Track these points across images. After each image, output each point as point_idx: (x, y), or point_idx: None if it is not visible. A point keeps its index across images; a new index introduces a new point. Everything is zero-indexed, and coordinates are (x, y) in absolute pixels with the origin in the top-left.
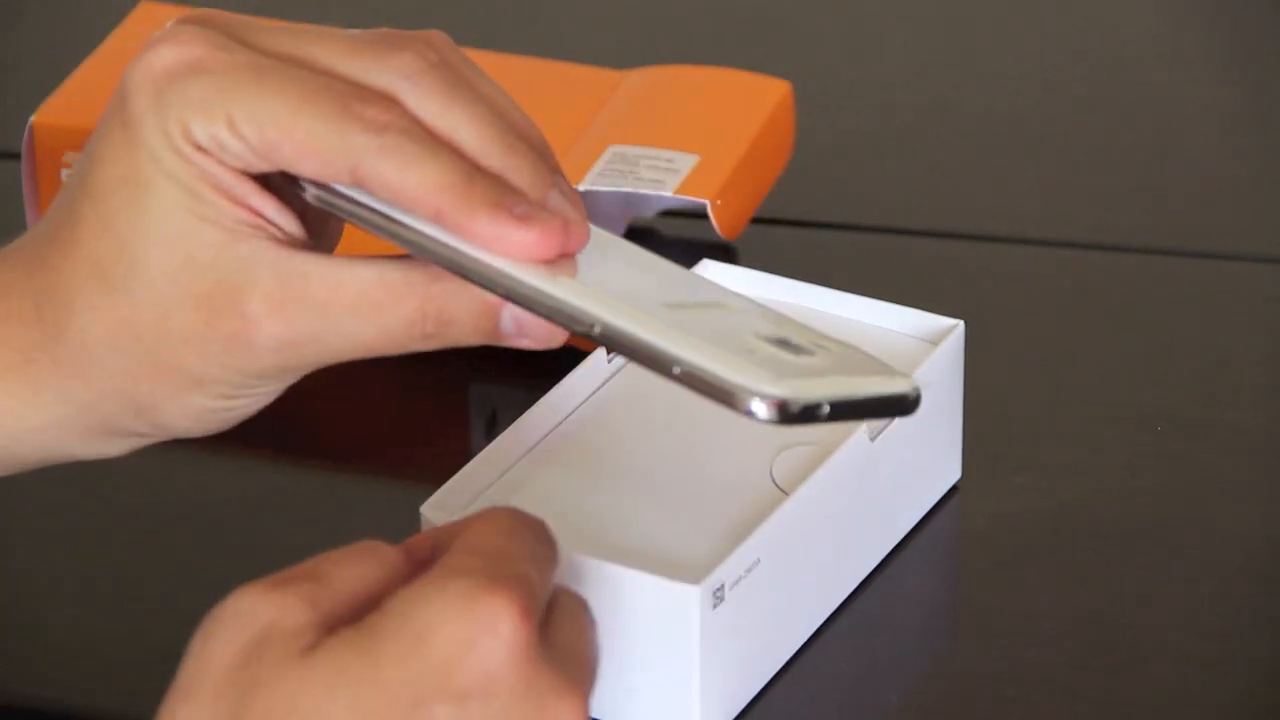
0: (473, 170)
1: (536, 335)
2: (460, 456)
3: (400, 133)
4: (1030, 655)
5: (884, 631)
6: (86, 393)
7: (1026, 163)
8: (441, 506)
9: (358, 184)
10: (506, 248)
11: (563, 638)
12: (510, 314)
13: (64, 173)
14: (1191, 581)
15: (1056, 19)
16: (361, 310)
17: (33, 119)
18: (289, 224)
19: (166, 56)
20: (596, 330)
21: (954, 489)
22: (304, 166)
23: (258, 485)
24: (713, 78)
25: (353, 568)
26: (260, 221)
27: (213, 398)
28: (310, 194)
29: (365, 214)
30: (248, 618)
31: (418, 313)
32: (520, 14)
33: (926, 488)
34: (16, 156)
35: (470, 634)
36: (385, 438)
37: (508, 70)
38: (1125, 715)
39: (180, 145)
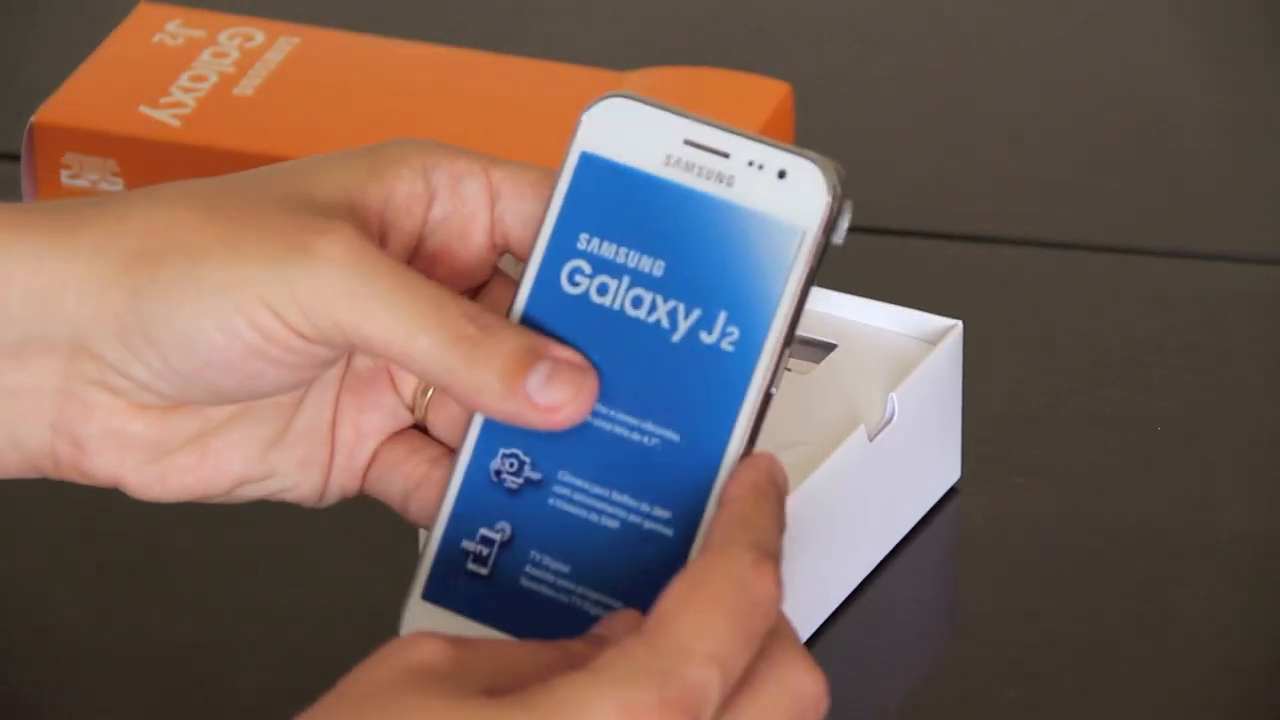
0: None
1: (556, 396)
2: None
3: None
4: (1030, 655)
5: (884, 631)
6: (100, 229)
7: (1026, 163)
8: None
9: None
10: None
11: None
12: (551, 364)
13: (64, 173)
14: (1191, 581)
15: (1056, 19)
16: (427, 281)
17: (33, 119)
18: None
19: None
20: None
21: (953, 489)
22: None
23: None
24: (712, 78)
25: (518, 649)
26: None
27: (230, 308)
28: None
29: None
30: (401, 650)
31: (474, 310)
32: (520, 14)
33: (926, 488)
34: (16, 157)
35: None
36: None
37: (508, 70)
38: (1125, 715)
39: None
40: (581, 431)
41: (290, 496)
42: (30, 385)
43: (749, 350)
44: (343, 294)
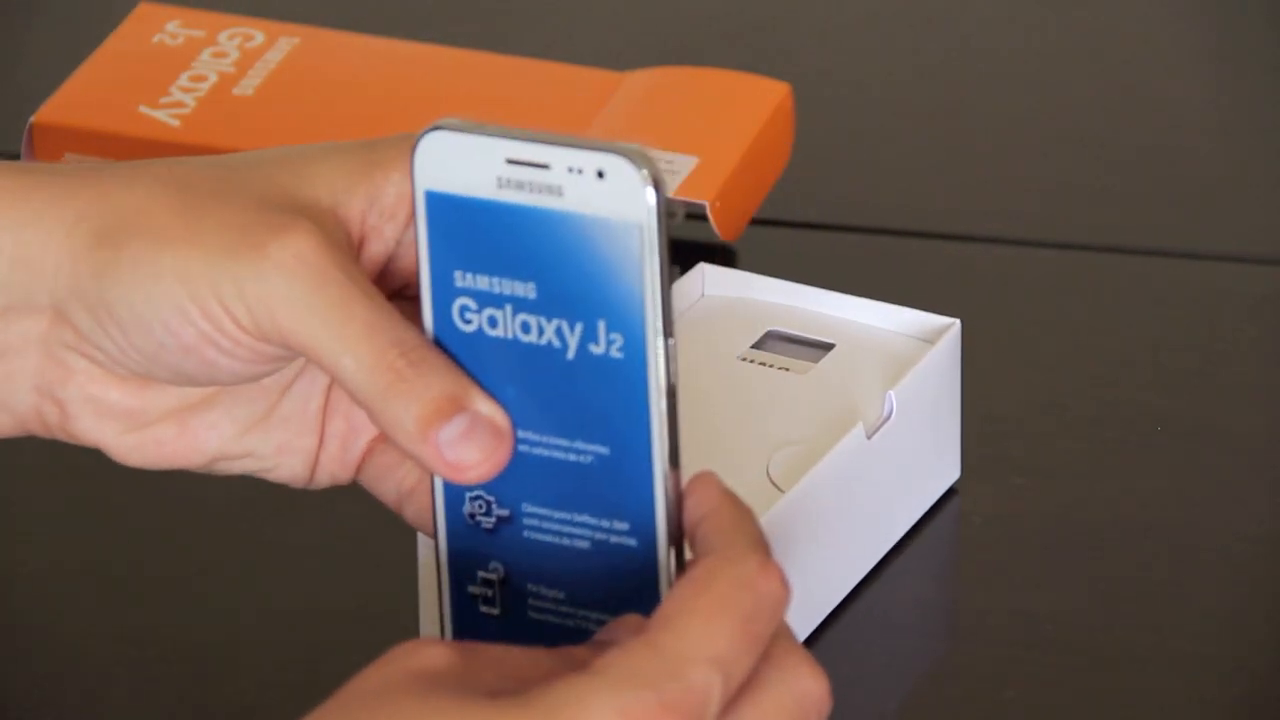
0: None
1: (466, 456)
2: None
3: None
4: (1030, 655)
5: (883, 632)
6: (83, 202)
7: (1026, 163)
8: None
9: None
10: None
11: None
12: (467, 419)
13: None
14: (1191, 581)
15: (1057, 19)
16: (372, 301)
17: (33, 119)
18: (370, 270)
19: None
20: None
21: (953, 489)
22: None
23: (257, 484)
24: (712, 79)
25: (522, 653)
26: (361, 253)
27: (184, 295)
28: None
29: None
30: (405, 654)
31: (409, 341)
32: (520, 14)
33: (925, 488)
34: (16, 157)
35: None
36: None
37: (508, 71)
38: (1125, 715)
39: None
40: (525, 462)
41: (271, 477)
42: (15, 346)
43: (635, 352)
44: (284, 299)
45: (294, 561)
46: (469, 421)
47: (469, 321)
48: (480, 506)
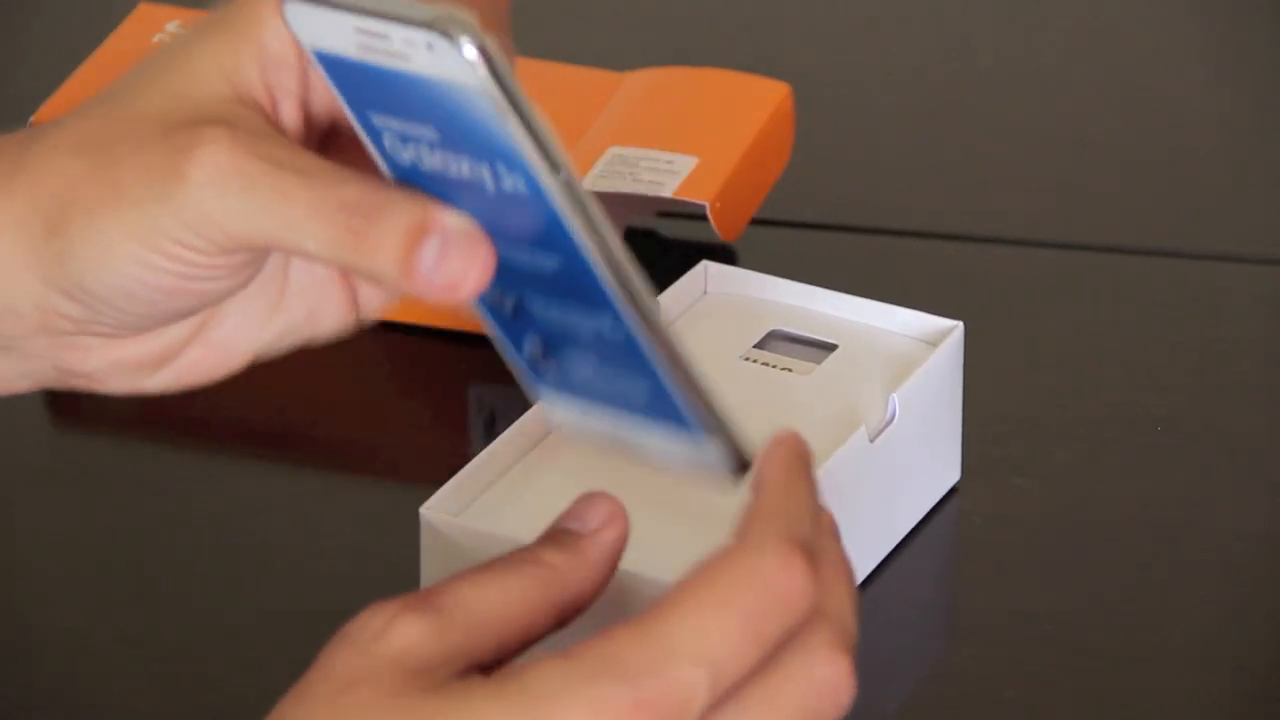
0: None
1: (451, 273)
2: (460, 457)
3: None
4: (1030, 655)
5: (884, 632)
6: (22, 201)
7: (1026, 163)
8: (441, 507)
9: None
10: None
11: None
12: (439, 239)
13: None
14: (1191, 581)
15: (1057, 19)
16: (306, 176)
17: (32, 119)
18: (291, 126)
19: None
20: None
21: (953, 489)
22: None
23: (257, 486)
24: (712, 79)
25: (496, 592)
26: (271, 113)
27: (127, 235)
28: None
29: None
30: (374, 637)
31: (356, 198)
32: (520, 14)
33: (926, 489)
34: None
35: None
36: (385, 438)
37: None
38: (1125, 715)
39: (266, 10)
40: (505, 267)
41: (321, 339)
42: (19, 339)
43: (535, 189)
44: (223, 211)
45: (292, 562)
46: (440, 239)
47: (402, 156)
48: (496, 297)
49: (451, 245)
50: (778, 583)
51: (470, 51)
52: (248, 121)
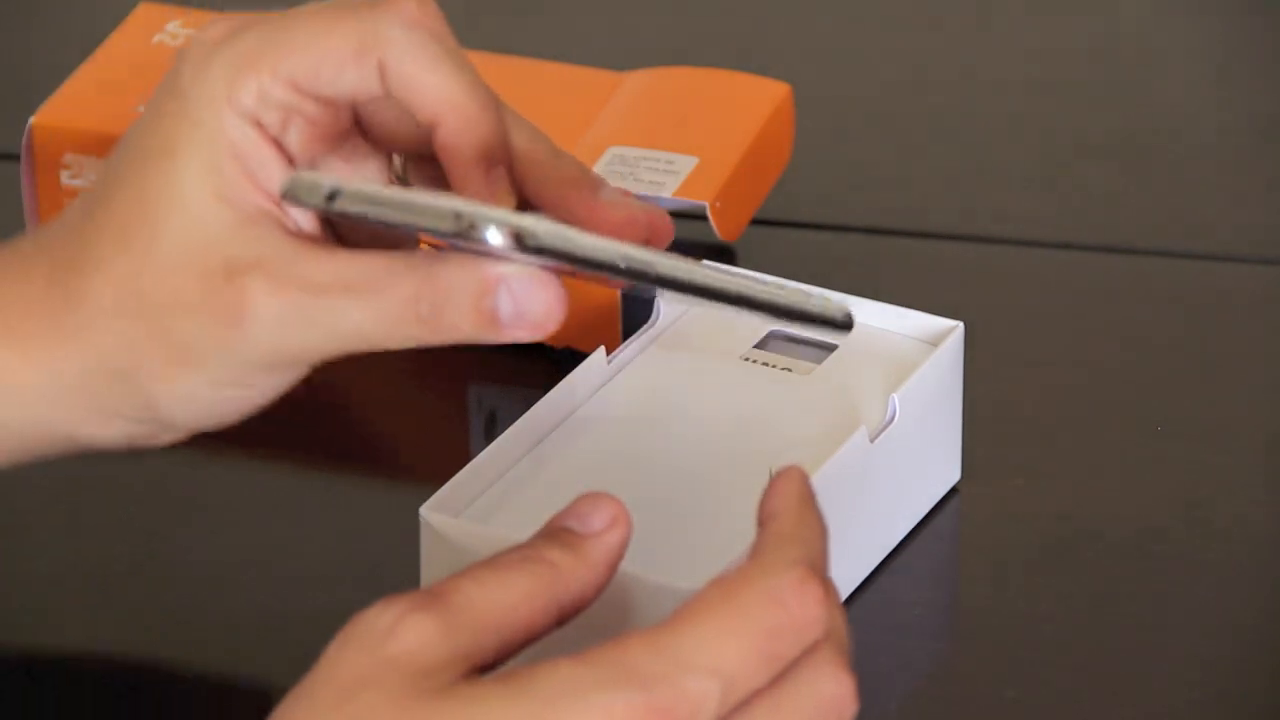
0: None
1: (533, 316)
2: (460, 457)
3: (428, 30)
4: (1030, 656)
5: (883, 633)
6: (80, 358)
7: (1026, 163)
8: (441, 507)
9: (387, 78)
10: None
11: None
12: (508, 293)
13: (64, 173)
14: (1191, 581)
15: (1056, 19)
16: (359, 290)
17: (32, 120)
18: (304, 221)
19: (218, 26)
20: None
21: (954, 490)
22: (337, 77)
23: (257, 486)
24: (712, 79)
25: (501, 591)
26: (277, 211)
27: (207, 384)
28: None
29: (389, 207)
30: (382, 637)
31: (415, 292)
32: (520, 14)
33: (926, 489)
34: (16, 157)
35: None
36: (385, 438)
37: (508, 71)
38: (1125, 715)
39: (222, 106)
40: None
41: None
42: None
43: None
44: (292, 347)
45: (292, 562)
46: (506, 290)
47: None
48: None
49: (519, 290)
50: (793, 604)
51: (497, 238)
52: (271, 247)
